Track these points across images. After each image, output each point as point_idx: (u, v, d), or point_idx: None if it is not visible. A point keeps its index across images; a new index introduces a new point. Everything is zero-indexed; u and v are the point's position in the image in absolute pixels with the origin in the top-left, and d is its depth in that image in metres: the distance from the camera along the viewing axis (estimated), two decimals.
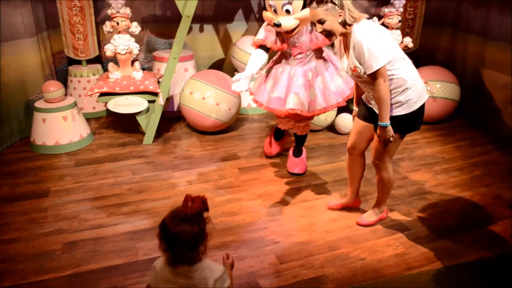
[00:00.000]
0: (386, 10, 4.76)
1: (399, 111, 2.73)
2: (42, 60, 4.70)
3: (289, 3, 3.20)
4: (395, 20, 4.71)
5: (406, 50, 4.81)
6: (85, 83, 5.01)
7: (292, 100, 3.42)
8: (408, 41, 4.84)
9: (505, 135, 4.67)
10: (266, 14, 3.37)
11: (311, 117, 3.67)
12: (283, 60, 3.57)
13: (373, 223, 3.24)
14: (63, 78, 5.09)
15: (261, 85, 3.64)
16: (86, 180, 3.79)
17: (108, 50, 4.24)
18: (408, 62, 2.77)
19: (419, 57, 5.57)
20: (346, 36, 2.73)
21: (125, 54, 4.27)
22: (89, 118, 5.02)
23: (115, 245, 2.96)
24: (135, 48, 4.29)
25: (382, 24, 4.67)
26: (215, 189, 3.69)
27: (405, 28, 5.52)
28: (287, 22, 3.24)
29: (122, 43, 4.22)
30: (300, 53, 3.46)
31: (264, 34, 3.44)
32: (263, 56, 3.42)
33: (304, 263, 2.81)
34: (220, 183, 3.78)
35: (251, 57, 3.43)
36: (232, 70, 5.52)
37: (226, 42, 5.72)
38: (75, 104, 4.38)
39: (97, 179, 3.81)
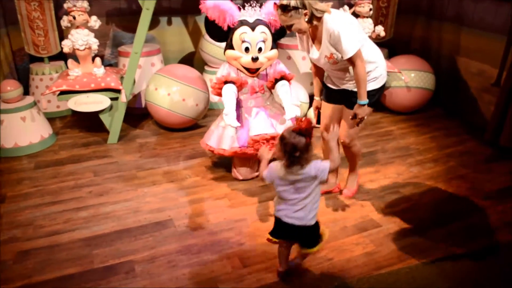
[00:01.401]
0: None
1: (374, 85, 2.98)
2: (1, 58, 4.48)
3: (263, 41, 3.31)
4: (366, 8, 4.59)
5: (379, 39, 4.70)
6: (47, 81, 4.79)
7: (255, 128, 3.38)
8: (380, 29, 4.69)
9: (480, 124, 4.57)
10: (232, 53, 3.35)
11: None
12: (241, 104, 3.50)
13: (357, 189, 3.47)
14: (25, 76, 4.88)
15: (222, 135, 3.48)
16: (45, 184, 3.60)
17: (66, 46, 4.03)
18: (371, 42, 3.01)
19: (394, 46, 5.47)
20: (315, 28, 2.84)
21: (84, 49, 4.07)
22: (53, 118, 4.84)
23: (70, 252, 2.78)
24: (94, 43, 4.09)
25: (353, 12, 4.54)
26: (180, 189, 3.53)
27: (379, 17, 5.40)
28: (261, 58, 3.34)
29: (80, 38, 4.01)
30: (256, 92, 3.48)
31: (225, 71, 3.43)
32: (232, 88, 3.35)
33: (269, 266, 2.66)
34: (185, 183, 3.62)
35: (223, 95, 3.33)
36: (203, 64, 5.35)
37: (196, 35, 5.53)
38: (34, 103, 4.17)
39: (57, 182, 3.63)
